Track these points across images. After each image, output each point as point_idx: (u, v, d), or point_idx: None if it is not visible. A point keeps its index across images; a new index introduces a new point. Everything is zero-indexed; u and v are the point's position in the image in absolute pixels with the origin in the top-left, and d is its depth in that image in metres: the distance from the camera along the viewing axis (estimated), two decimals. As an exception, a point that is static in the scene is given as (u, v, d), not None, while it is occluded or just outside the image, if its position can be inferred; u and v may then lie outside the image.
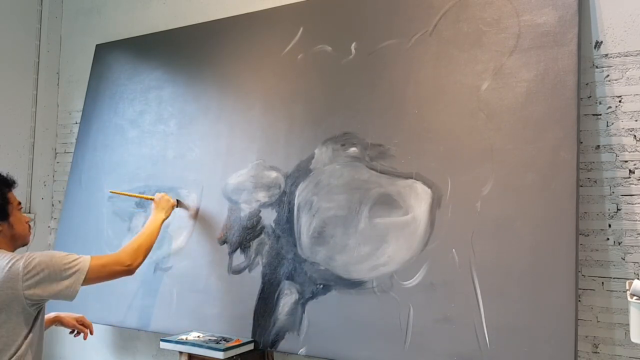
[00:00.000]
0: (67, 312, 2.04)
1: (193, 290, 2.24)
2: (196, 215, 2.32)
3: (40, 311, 1.65)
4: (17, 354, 1.56)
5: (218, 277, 2.20)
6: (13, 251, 1.70)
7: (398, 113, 1.99)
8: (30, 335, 1.61)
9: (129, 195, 2.37)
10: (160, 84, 2.64)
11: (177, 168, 2.46)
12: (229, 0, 2.61)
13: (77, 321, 2.04)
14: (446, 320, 1.73)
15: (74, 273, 1.62)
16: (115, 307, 2.40)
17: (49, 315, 2.00)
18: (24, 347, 1.58)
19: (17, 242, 1.72)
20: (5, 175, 1.74)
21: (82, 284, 1.64)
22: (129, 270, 1.83)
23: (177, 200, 2.35)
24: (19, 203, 1.75)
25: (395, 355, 1.78)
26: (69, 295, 1.63)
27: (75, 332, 2.06)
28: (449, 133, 1.89)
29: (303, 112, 2.20)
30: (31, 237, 1.81)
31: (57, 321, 2.01)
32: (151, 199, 2.27)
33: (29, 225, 1.78)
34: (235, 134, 2.34)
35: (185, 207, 2.36)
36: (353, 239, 1.96)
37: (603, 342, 1.76)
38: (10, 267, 1.57)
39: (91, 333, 2.06)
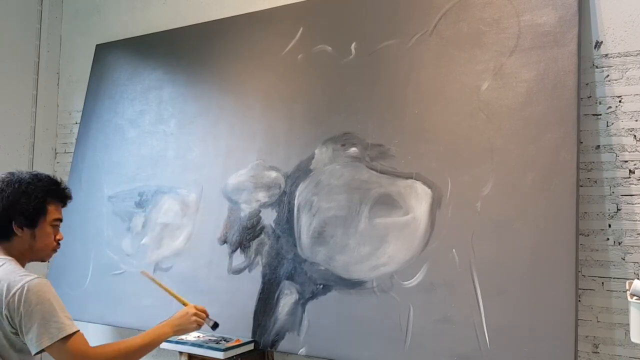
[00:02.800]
0: None
1: (193, 290, 2.24)
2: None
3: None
4: None
5: (218, 277, 2.20)
6: (25, 262, 1.54)
7: (398, 113, 1.99)
8: (25, 350, 1.41)
9: (164, 288, 1.85)
10: (160, 84, 2.64)
11: (177, 168, 2.46)
12: (229, 0, 2.61)
13: None
14: (446, 320, 1.73)
15: (47, 331, 1.37)
16: (115, 307, 2.40)
17: None
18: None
19: (33, 255, 1.55)
20: (60, 185, 1.59)
21: (45, 348, 1.37)
22: None
23: (216, 324, 1.81)
24: (58, 219, 1.57)
25: (395, 355, 1.78)
26: (30, 346, 1.39)
27: None
28: (449, 133, 1.89)
29: (303, 112, 2.20)
30: (53, 257, 1.61)
31: None
32: (183, 304, 1.80)
33: (58, 244, 1.59)
34: (235, 134, 2.34)
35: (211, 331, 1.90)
36: (353, 239, 1.96)
37: (603, 342, 1.76)
38: (7, 282, 1.40)
39: None
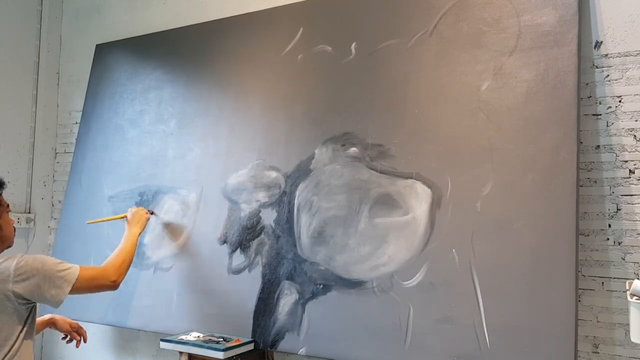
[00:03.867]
0: (63, 316, 2.03)
1: (193, 290, 2.24)
2: (171, 227, 2.39)
3: (31, 310, 1.66)
4: (11, 352, 1.57)
5: (218, 277, 2.20)
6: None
7: (398, 113, 1.99)
8: (24, 332, 1.62)
9: (105, 221, 2.40)
10: (160, 84, 2.64)
11: (177, 168, 2.46)
12: (229, 0, 2.61)
13: (71, 327, 2.02)
14: (446, 320, 1.73)
15: (62, 283, 1.64)
16: (115, 307, 2.40)
17: (44, 317, 1.99)
18: (17, 344, 1.60)
19: (3, 244, 1.71)
20: None
21: (69, 294, 1.66)
22: (114, 286, 1.83)
23: (152, 212, 2.38)
24: (8, 205, 1.75)
25: (395, 355, 1.78)
26: (54, 303, 1.64)
27: (68, 338, 2.03)
28: (449, 133, 1.89)
29: (303, 112, 2.20)
30: (15, 238, 1.80)
31: (52, 323, 2.00)
32: (124, 217, 2.26)
33: (14, 228, 1.78)
34: (235, 134, 2.34)
35: (161, 217, 2.42)
36: (353, 239, 1.96)
37: (603, 342, 1.76)
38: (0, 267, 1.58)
39: (84, 341, 2.04)
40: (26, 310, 1.63)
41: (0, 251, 1.71)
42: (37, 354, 1.75)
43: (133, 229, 2.16)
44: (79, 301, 2.49)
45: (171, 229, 2.38)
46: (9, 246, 1.75)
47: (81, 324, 2.08)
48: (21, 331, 1.61)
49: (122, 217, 2.27)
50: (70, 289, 1.65)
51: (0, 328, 1.57)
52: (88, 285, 1.73)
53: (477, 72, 1.88)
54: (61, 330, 2.02)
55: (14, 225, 1.77)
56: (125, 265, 1.92)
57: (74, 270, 1.68)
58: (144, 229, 2.24)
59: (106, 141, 2.75)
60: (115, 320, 2.40)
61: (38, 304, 1.69)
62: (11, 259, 1.60)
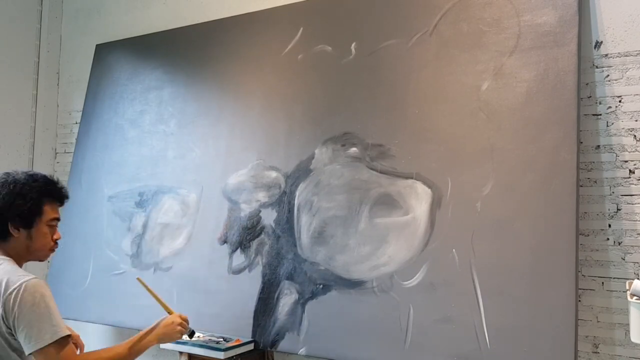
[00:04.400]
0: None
1: (193, 290, 2.24)
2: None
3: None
4: None
5: (218, 277, 2.20)
6: (22, 262, 1.54)
7: (398, 113, 1.99)
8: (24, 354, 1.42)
9: (153, 295, 1.79)
10: (161, 84, 2.64)
11: (177, 168, 2.46)
12: (229, 0, 2.61)
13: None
14: (446, 320, 1.73)
15: (38, 335, 1.37)
16: (115, 307, 2.40)
17: None
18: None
19: (31, 255, 1.55)
20: (56, 185, 1.58)
21: (32, 351, 1.38)
22: None
23: (193, 333, 1.81)
24: (55, 219, 1.56)
25: (395, 355, 1.78)
26: (23, 346, 1.40)
27: None
28: (449, 133, 1.89)
29: (303, 112, 2.20)
30: (51, 256, 1.61)
31: None
32: (168, 312, 1.76)
33: (55, 244, 1.58)
34: (235, 134, 2.34)
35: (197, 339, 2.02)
36: (353, 239, 1.96)
37: (603, 342, 1.76)
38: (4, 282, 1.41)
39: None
40: (15, 341, 1.42)
41: (25, 261, 1.55)
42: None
43: (152, 336, 1.64)
44: (79, 301, 2.49)
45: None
46: (39, 259, 1.59)
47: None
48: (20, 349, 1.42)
49: (167, 310, 1.76)
50: (40, 347, 1.36)
51: None
52: (50, 358, 1.39)
53: (477, 72, 1.88)
54: None
55: (55, 240, 1.58)
56: None
57: (60, 333, 1.39)
58: (164, 343, 1.77)
59: (106, 141, 2.75)
60: (115, 320, 2.40)
61: None
62: (22, 277, 1.41)
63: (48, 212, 1.55)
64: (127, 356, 1.57)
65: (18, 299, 1.38)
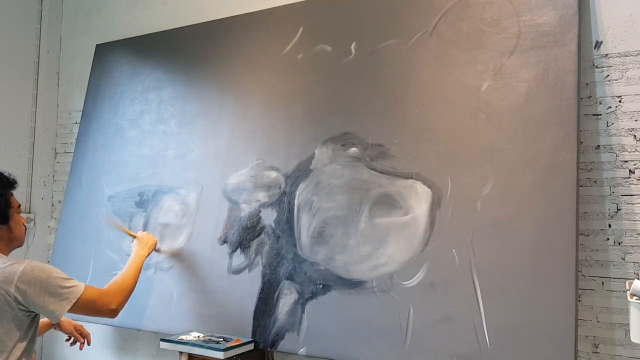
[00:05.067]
0: (67, 318, 1.99)
1: (193, 290, 2.24)
2: (178, 254, 2.32)
3: (34, 320, 1.62)
4: None
5: (218, 277, 2.20)
6: (8, 253, 1.69)
7: (398, 113, 1.99)
8: (23, 344, 1.57)
9: (118, 228, 2.31)
10: (161, 84, 2.65)
11: (177, 168, 2.46)
12: (229, 0, 2.61)
13: (75, 328, 2.01)
14: (446, 320, 1.73)
15: (63, 299, 1.59)
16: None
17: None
18: (15, 353, 1.54)
19: (13, 244, 1.70)
20: (7, 175, 1.70)
21: (67, 312, 1.61)
22: (112, 313, 1.76)
23: (158, 249, 2.31)
24: (19, 205, 1.72)
25: (395, 355, 1.78)
26: (52, 318, 1.60)
27: (72, 340, 2.02)
28: (449, 133, 1.89)
29: (303, 112, 2.20)
30: (26, 237, 1.78)
31: (56, 325, 1.97)
32: (134, 237, 2.21)
33: (25, 227, 1.76)
34: (235, 134, 2.34)
35: (167, 251, 2.35)
36: (353, 239, 1.96)
37: (603, 342, 1.76)
38: (4, 272, 1.54)
39: (88, 343, 2.03)
40: (27, 317, 1.58)
41: (10, 251, 1.70)
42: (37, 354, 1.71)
43: (140, 250, 2.10)
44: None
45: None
46: (19, 246, 1.74)
47: (82, 324, 2.08)
48: (19, 340, 1.56)
49: (132, 235, 2.22)
50: (69, 307, 1.60)
51: (0, 334, 1.53)
52: (87, 307, 1.67)
53: (477, 72, 1.88)
54: (65, 332, 2.01)
55: (25, 224, 1.75)
56: (127, 292, 1.85)
57: (78, 288, 1.63)
58: (150, 253, 2.17)
59: (106, 141, 2.75)
60: (115, 320, 2.39)
61: (40, 315, 1.65)
62: (18, 263, 1.56)
63: (13, 201, 1.70)
64: (136, 273, 1.95)
65: (32, 278, 1.54)
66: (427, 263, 1.81)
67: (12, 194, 1.70)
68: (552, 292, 1.61)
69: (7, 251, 1.68)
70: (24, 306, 1.55)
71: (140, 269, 2.00)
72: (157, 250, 2.29)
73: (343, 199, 2.01)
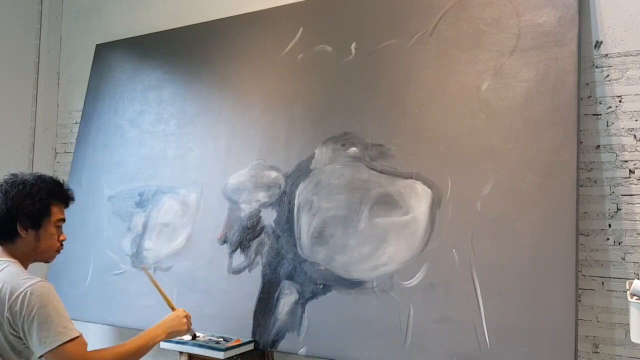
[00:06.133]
0: None
1: (193, 290, 2.24)
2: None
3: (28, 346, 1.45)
4: None
5: (218, 277, 2.20)
6: (27, 262, 1.54)
7: (398, 113, 1.99)
8: (26, 354, 1.44)
9: (157, 287, 1.83)
10: (160, 84, 2.64)
11: (177, 168, 2.46)
12: (229, 0, 2.61)
13: None
14: (446, 320, 1.73)
15: (50, 336, 1.39)
16: (115, 307, 2.40)
17: None
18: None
19: (37, 256, 1.56)
20: (63, 186, 1.60)
21: (43, 354, 1.40)
22: None
23: (195, 335, 1.98)
24: (61, 220, 1.58)
25: (395, 355, 1.77)
26: (34, 348, 1.41)
27: None
28: (449, 133, 1.88)
29: (303, 112, 2.20)
30: (56, 257, 1.62)
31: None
32: (171, 308, 1.82)
33: (61, 245, 1.59)
34: (236, 133, 2.34)
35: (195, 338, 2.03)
36: (353, 239, 1.96)
37: (603, 342, 1.76)
38: (7, 285, 1.41)
39: None
40: (22, 346, 1.43)
41: (31, 262, 1.56)
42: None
43: (159, 330, 1.68)
44: (79, 301, 2.49)
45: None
46: (45, 261, 1.61)
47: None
48: (22, 352, 1.43)
49: (171, 306, 1.82)
50: (52, 347, 1.38)
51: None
52: (63, 359, 1.41)
53: (477, 72, 1.88)
54: None
55: (61, 241, 1.59)
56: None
57: (71, 334, 1.41)
58: (171, 338, 1.76)
59: (106, 141, 2.75)
60: (116, 320, 2.40)
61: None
62: (28, 280, 1.42)
63: (56, 213, 1.56)
64: (139, 350, 1.60)
65: (26, 303, 1.38)
66: (427, 263, 1.81)
67: (57, 205, 1.57)
68: (552, 292, 1.61)
69: (27, 260, 1.54)
70: (14, 329, 1.41)
71: (147, 348, 1.63)
72: (194, 337, 1.98)
73: (343, 199, 2.01)
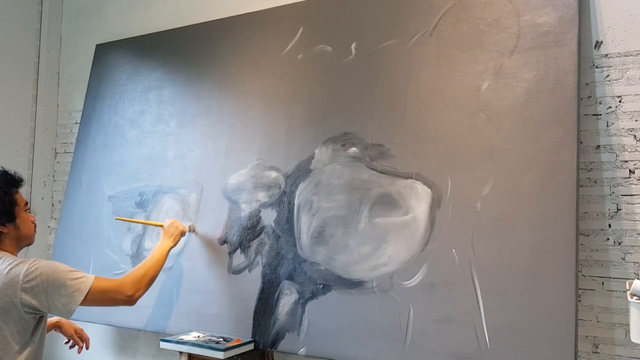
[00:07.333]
0: (69, 320, 1.94)
1: (193, 290, 2.25)
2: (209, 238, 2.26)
3: (40, 322, 1.60)
4: None
5: (218, 277, 2.20)
6: (17, 252, 1.67)
7: (398, 113, 1.99)
8: (29, 347, 1.55)
9: (136, 222, 2.17)
10: (160, 84, 2.65)
11: (177, 168, 2.46)
12: (229, 0, 2.61)
13: (75, 332, 1.99)
14: (446, 320, 1.73)
15: (73, 292, 1.55)
16: (115, 307, 2.40)
17: (51, 319, 1.94)
18: (22, 357, 1.53)
19: (22, 242, 1.68)
20: (12, 173, 1.67)
21: (80, 305, 1.57)
22: (129, 301, 1.70)
23: (189, 226, 2.27)
24: (26, 203, 1.70)
25: (395, 355, 1.78)
26: (65, 313, 1.57)
27: (71, 343, 2.01)
28: (449, 133, 1.89)
29: (303, 112, 2.20)
30: (36, 236, 1.76)
31: (58, 326, 1.96)
32: (160, 226, 2.15)
33: (35, 225, 1.73)
34: (236, 134, 2.34)
35: (196, 233, 2.29)
36: (353, 239, 1.96)
37: (603, 342, 1.76)
38: (9, 272, 1.52)
39: (87, 347, 2.00)
40: (32, 319, 1.55)
41: (19, 249, 1.67)
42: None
43: (165, 241, 2.03)
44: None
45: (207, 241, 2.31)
46: (29, 244, 1.72)
47: (81, 324, 2.08)
48: (26, 343, 1.54)
49: (157, 225, 2.11)
50: (82, 298, 1.56)
51: (4, 337, 1.50)
52: (101, 298, 1.63)
53: (477, 72, 1.88)
54: (65, 335, 1.99)
55: (34, 222, 1.72)
56: (147, 279, 1.78)
57: (87, 279, 1.59)
58: (177, 243, 2.09)
59: (106, 141, 2.75)
60: (116, 320, 2.40)
61: (47, 317, 1.63)
62: (23, 263, 1.53)
63: (20, 199, 1.67)
64: (158, 262, 1.89)
65: (39, 277, 1.51)
66: (427, 263, 1.81)
67: (18, 192, 1.67)
68: (552, 292, 1.61)
69: (16, 250, 1.66)
70: (30, 308, 1.52)
71: (164, 260, 1.94)
72: (193, 232, 2.26)
73: (343, 199, 2.01)
